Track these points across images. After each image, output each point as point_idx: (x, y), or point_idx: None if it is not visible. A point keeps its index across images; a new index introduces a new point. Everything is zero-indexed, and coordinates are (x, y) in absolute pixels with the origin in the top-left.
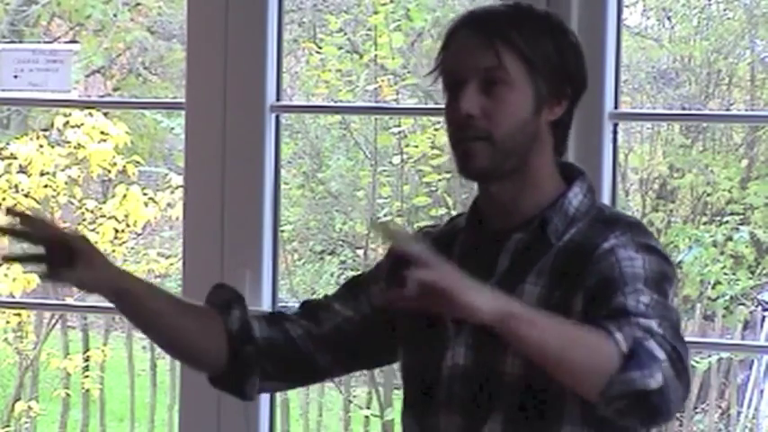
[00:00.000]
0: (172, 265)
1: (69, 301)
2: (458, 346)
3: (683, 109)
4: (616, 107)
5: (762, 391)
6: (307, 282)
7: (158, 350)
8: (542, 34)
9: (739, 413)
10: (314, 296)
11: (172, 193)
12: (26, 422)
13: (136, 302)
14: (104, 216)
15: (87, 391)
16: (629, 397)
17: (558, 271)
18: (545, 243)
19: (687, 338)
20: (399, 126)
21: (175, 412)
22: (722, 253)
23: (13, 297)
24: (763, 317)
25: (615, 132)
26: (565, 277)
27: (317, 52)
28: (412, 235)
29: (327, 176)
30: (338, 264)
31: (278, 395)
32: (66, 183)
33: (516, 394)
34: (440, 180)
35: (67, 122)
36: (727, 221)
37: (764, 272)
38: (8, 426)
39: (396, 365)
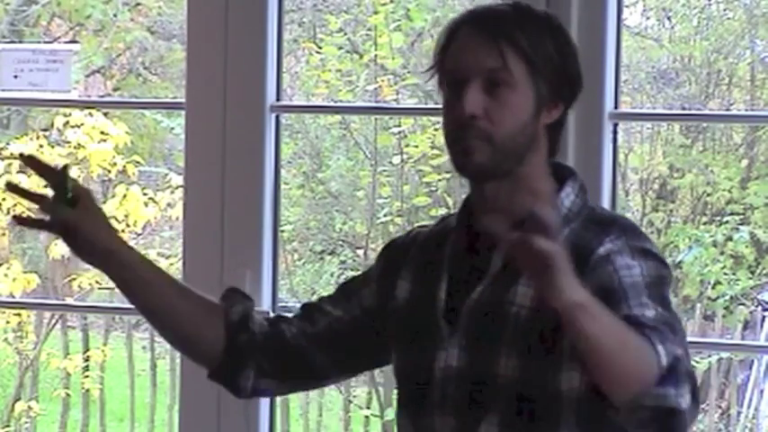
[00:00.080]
0: (172, 265)
1: (69, 301)
2: (451, 347)
3: (683, 109)
4: (616, 107)
5: (762, 391)
6: (307, 282)
7: (158, 350)
8: (544, 36)
9: (739, 413)
10: (314, 296)
11: (172, 193)
12: (26, 422)
13: (126, 268)
14: None
15: (87, 391)
16: (657, 411)
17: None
18: None
19: (687, 339)
20: (399, 126)
21: (175, 412)
22: (722, 253)
23: (13, 297)
24: (763, 317)
25: (615, 132)
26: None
27: (317, 52)
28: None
29: (327, 176)
30: (338, 264)
31: None
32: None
33: (511, 397)
34: (440, 180)
35: (67, 122)
36: (727, 221)
37: (764, 272)
38: (8, 426)
39: None
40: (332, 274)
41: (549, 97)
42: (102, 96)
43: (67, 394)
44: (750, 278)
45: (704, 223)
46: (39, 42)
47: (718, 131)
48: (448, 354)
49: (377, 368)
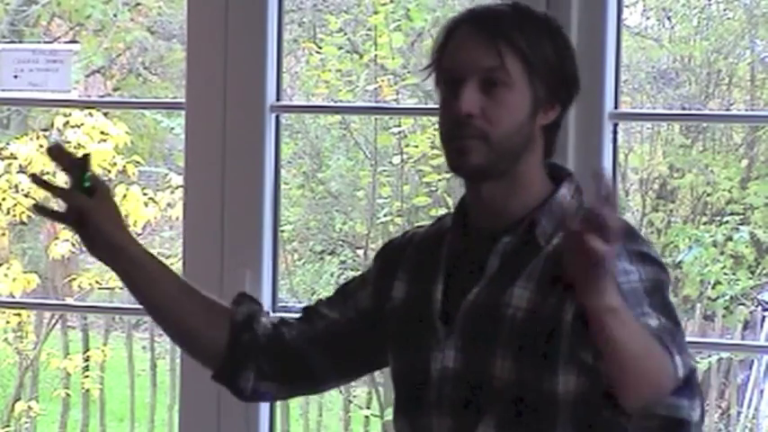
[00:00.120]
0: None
1: (69, 301)
2: (447, 348)
3: (683, 109)
4: (616, 107)
5: (762, 391)
6: (307, 282)
7: (158, 350)
8: (542, 37)
9: (739, 413)
10: (314, 296)
11: (172, 193)
12: (26, 422)
13: (134, 264)
14: None
15: (87, 391)
16: (668, 421)
17: (549, 277)
18: (534, 246)
19: (687, 339)
20: (399, 126)
21: (175, 412)
22: (722, 253)
23: (13, 297)
24: (763, 317)
25: (615, 132)
26: (556, 284)
27: (317, 52)
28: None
29: (327, 176)
30: (338, 264)
31: None
32: (66, 183)
33: (508, 399)
34: (440, 180)
35: (67, 122)
36: (727, 221)
37: (764, 272)
38: (8, 426)
39: None
40: (332, 274)
41: (545, 98)
42: (102, 96)
43: (67, 394)
44: (750, 278)
45: (704, 223)
46: (39, 42)
47: (718, 131)
48: (444, 355)
49: (376, 371)
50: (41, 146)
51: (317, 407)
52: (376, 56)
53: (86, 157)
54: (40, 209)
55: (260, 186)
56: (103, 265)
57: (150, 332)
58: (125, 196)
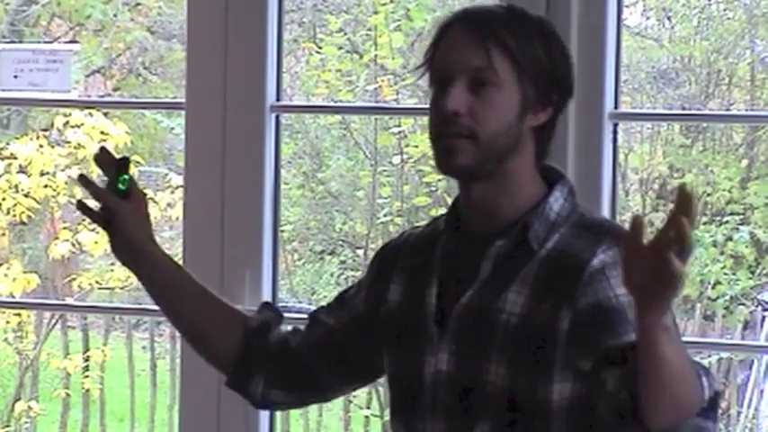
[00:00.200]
0: None
1: (69, 301)
2: (441, 352)
3: (683, 109)
4: (616, 107)
5: (762, 391)
6: (307, 282)
7: (158, 350)
8: (533, 38)
9: (739, 413)
10: (314, 296)
11: (172, 193)
12: (26, 422)
13: (158, 269)
14: None
15: (87, 391)
16: None
17: (543, 282)
18: (527, 250)
19: (687, 338)
20: (399, 126)
21: (175, 412)
22: (722, 253)
23: (13, 297)
24: (763, 317)
25: (615, 132)
26: (551, 291)
27: (317, 52)
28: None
29: (327, 176)
30: (338, 264)
31: None
32: (66, 183)
33: (502, 405)
34: (440, 180)
35: (67, 122)
36: (727, 221)
37: (764, 272)
38: (8, 426)
39: None
40: (332, 274)
41: (535, 99)
42: (102, 96)
43: (67, 394)
44: (750, 278)
45: (704, 223)
46: (39, 42)
47: (718, 131)
48: (438, 358)
49: (381, 376)
50: (41, 146)
51: (317, 407)
52: (376, 56)
53: (125, 159)
54: (81, 206)
55: (260, 186)
56: (127, 269)
57: (150, 332)
58: None
